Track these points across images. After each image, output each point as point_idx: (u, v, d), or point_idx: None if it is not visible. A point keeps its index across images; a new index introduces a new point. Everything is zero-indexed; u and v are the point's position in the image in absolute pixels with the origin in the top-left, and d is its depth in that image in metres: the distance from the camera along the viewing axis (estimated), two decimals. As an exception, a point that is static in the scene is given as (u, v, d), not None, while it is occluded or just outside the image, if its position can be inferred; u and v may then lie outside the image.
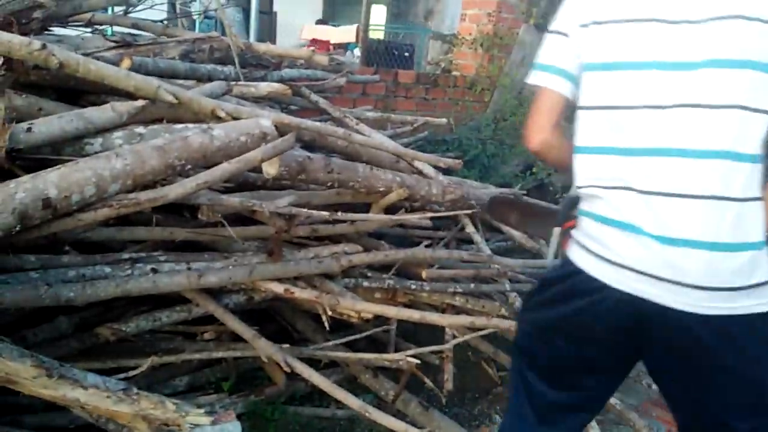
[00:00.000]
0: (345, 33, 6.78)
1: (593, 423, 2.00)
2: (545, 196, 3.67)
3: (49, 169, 1.28)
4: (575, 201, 1.41)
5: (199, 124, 1.65)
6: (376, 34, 9.23)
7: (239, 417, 2.13)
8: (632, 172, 1.12)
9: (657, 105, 1.10)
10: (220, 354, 2.01)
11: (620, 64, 1.14)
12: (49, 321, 1.81)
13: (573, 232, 1.26)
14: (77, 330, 1.88)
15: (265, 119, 1.64)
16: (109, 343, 1.92)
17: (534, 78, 1.28)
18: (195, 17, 5.71)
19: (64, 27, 2.48)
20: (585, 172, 1.21)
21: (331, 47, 7.46)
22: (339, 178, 1.90)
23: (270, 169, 1.69)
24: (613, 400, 2.26)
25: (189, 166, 1.47)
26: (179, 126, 1.75)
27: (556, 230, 1.56)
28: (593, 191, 1.18)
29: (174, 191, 1.39)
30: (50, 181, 1.25)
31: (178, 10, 4.88)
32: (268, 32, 7.51)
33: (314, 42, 7.64)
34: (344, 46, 7.69)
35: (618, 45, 1.15)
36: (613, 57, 1.15)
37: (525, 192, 3.64)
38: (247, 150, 1.55)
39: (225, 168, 1.46)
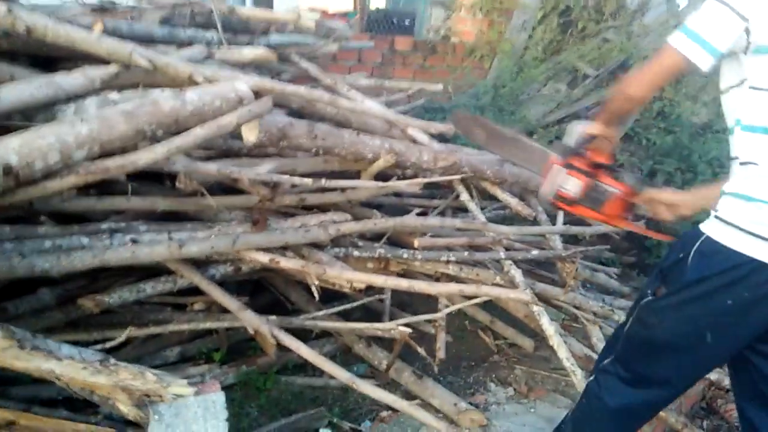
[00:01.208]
0: (342, 1, 6.60)
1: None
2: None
3: (10, 135, 1.23)
4: (587, 140, 1.57)
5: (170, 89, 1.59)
6: (378, 2, 9.02)
7: (231, 387, 2.13)
8: None
9: None
10: (208, 325, 1.98)
11: None
12: (32, 293, 1.79)
13: (728, 218, 1.25)
14: (61, 302, 1.85)
15: (241, 83, 1.58)
16: (95, 315, 1.90)
17: (679, 41, 1.27)
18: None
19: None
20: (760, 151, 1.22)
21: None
22: (324, 145, 1.84)
23: (249, 136, 1.63)
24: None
25: (160, 131, 1.41)
26: (156, 91, 1.69)
27: (557, 167, 1.61)
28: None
29: (144, 157, 1.34)
30: (11, 148, 1.20)
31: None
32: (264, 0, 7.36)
33: (314, 11, 7.47)
34: (345, 16, 7.53)
35: None
36: None
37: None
38: (222, 114, 1.49)
39: (197, 133, 1.40)
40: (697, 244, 1.26)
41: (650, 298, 1.35)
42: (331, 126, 2.40)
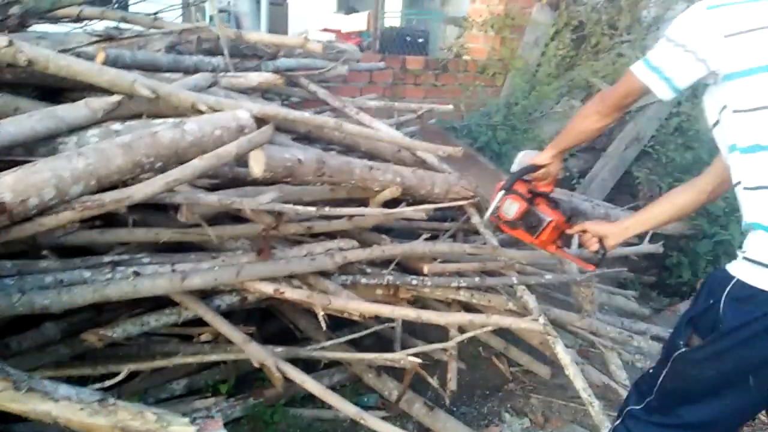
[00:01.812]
0: (356, 21, 6.64)
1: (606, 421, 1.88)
2: (561, 182, 3.52)
3: (5, 171, 1.21)
4: (530, 170, 1.72)
5: (172, 119, 1.57)
6: (392, 21, 9.08)
7: (238, 420, 2.09)
8: None
9: None
10: (214, 357, 1.95)
11: None
12: (36, 327, 1.77)
13: (759, 258, 1.18)
14: (66, 336, 1.83)
15: (243, 111, 1.55)
16: (101, 348, 1.88)
17: (639, 69, 1.36)
18: (207, 11, 5.66)
19: (54, 24, 2.43)
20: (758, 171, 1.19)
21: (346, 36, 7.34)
22: (331, 181, 1.81)
23: (255, 168, 1.60)
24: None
25: (159, 164, 1.39)
26: (158, 121, 1.67)
27: (500, 193, 1.75)
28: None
29: (141, 191, 1.31)
30: (5, 185, 1.18)
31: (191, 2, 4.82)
32: (280, 23, 7.44)
33: (328, 32, 7.53)
34: (359, 35, 7.56)
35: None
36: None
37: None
38: (223, 144, 1.47)
39: (196, 164, 1.37)
40: (728, 288, 1.18)
41: (684, 349, 1.26)
42: (340, 159, 2.38)
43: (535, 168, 1.74)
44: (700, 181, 1.59)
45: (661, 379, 1.32)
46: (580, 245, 1.83)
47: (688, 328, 1.27)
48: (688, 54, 1.27)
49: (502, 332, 2.49)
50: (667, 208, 1.62)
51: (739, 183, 1.24)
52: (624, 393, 2.13)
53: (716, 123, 1.31)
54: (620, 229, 1.64)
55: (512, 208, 1.73)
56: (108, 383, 1.44)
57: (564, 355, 2.02)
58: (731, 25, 1.22)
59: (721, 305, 1.18)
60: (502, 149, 3.60)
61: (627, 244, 2.85)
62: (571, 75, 4.09)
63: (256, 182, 2.00)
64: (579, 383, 1.97)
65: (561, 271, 2.43)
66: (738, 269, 1.19)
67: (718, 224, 3.25)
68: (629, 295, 2.88)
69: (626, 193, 3.74)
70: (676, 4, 4.29)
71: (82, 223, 1.70)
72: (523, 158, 1.81)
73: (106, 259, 1.69)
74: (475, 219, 2.40)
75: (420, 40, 6.90)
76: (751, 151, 1.20)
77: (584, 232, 1.71)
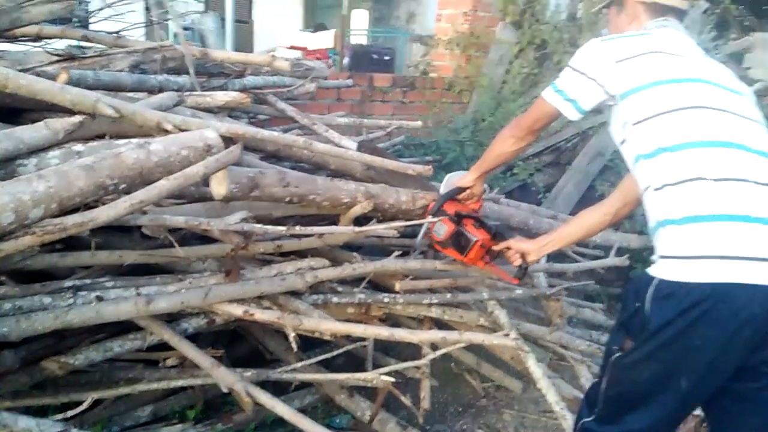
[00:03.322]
0: (322, 39, 6.67)
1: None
2: (528, 196, 3.58)
3: (-40, 196, 1.16)
4: (456, 192, 1.93)
5: (137, 139, 1.54)
6: (359, 38, 9.14)
7: (207, 447, 2.03)
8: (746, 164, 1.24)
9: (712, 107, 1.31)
10: (180, 383, 1.89)
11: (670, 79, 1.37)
12: (-7, 356, 1.69)
13: (674, 253, 1.23)
14: (25, 364, 1.76)
15: (210, 131, 1.53)
16: (63, 376, 1.81)
17: (548, 94, 1.56)
18: (171, 29, 5.60)
19: (12, 42, 2.36)
20: (685, 166, 1.26)
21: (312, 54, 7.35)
22: (297, 192, 1.79)
23: (219, 189, 1.57)
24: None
25: (123, 185, 1.35)
26: (122, 142, 1.63)
27: (429, 216, 1.92)
28: (704, 185, 1.22)
29: (105, 213, 1.28)
30: (-40, 211, 1.13)
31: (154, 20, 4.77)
32: (245, 41, 7.41)
33: (295, 49, 7.54)
34: (326, 53, 7.59)
35: (658, 67, 1.39)
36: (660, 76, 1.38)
37: (508, 192, 3.54)
38: (190, 164, 1.44)
39: (162, 185, 1.34)
40: (651, 289, 1.22)
41: (618, 354, 1.30)
42: (308, 169, 2.37)
43: (460, 190, 1.92)
44: (606, 204, 1.76)
45: (603, 387, 1.35)
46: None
47: (620, 332, 1.32)
48: (589, 81, 1.47)
49: (474, 348, 2.49)
50: (576, 229, 1.82)
51: (647, 188, 1.33)
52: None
53: (623, 141, 1.46)
54: (538, 246, 1.82)
55: (442, 229, 1.89)
56: (70, 413, 1.39)
57: (536, 369, 2.03)
58: (620, 52, 1.43)
59: (647, 306, 1.22)
60: (470, 165, 3.62)
61: (593, 257, 2.91)
62: (535, 92, 4.16)
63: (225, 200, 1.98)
64: (551, 397, 1.98)
65: (531, 286, 2.46)
66: (657, 269, 1.24)
67: (679, 236, 3.33)
68: (597, 308, 2.92)
69: (591, 205, 3.82)
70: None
71: (41, 247, 1.63)
72: (449, 180, 1.98)
73: (68, 283, 1.63)
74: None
75: (387, 58, 6.97)
76: (654, 155, 1.32)
77: (508, 249, 1.87)
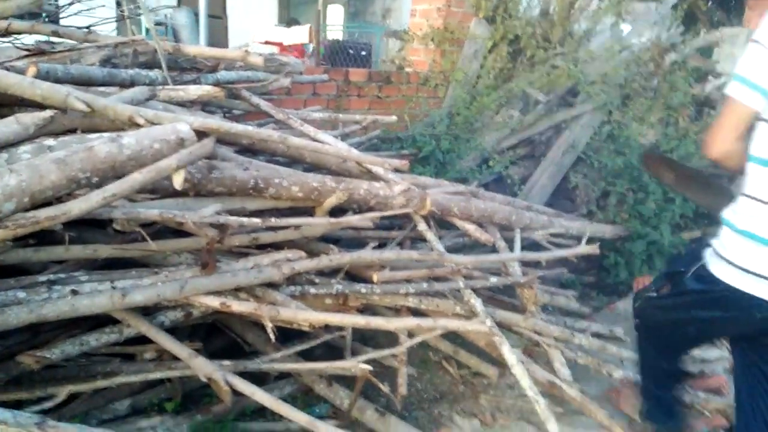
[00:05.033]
0: (297, 34, 6.66)
1: (551, 417, 1.95)
2: (503, 189, 3.63)
3: (-70, 190, 1.16)
4: None
5: (109, 133, 1.54)
6: (335, 34, 9.12)
7: (186, 439, 2.04)
8: None
9: None
10: (158, 375, 1.89)
11: None
12: (-33, 352, 1.68)
13: (720, 247, 1.56)
14: (1, 359, 1.75)
15: (183, 124, 1.54)
16: (38, 371, 1.80)
17: (730, 88, 1.38)
18: (144, 24, 5.54)
19: (-21, 38, 2.33)
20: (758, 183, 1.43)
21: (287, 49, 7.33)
22: (260, 175, 1.80)
23: (178, 176, 1.56)
24: (574, 392, 2.22)
25: (96, 179, 1.36)
26: (94, 136, 1.63)
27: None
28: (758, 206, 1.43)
29: (77, 207, 1.28)
30: (-70, 204, 1.13)
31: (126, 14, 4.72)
32: (219, 37, 7.36)
33: (269, 45, 7.51)
34: (301, 48, 7.57)
35: None
36: None
37: (484, 185, 3.59)
38: (163, 158, 1.45)
39: (135, 178, 1.35)
40: (696, 267, 1.60)
41: (654, 294, 1.79)
42: (283, 162, 2.39)
43: None
44: None
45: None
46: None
47: (662, 280, 1.81)
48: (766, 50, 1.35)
49: (450, 336, 2.54)
50: None
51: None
52: (568, 389, 2.22)
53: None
54: None
55: None
56: (47, 405, 1.39)
57: (510, 356, 2.08)
58: None
59: (688, 275, 1.63)
60: (446, 158, 3.69)
61: (565, 246, 2.97)
62: (509, 86, 4.23)
63: (198, 194, 1.98)
64: (525, 382, 2.03)
65: (505, 275, 2.51)
66: (708, 255, 1.59)
67: (649, 225, 3.42)
68: (570, 295, 2.99)
69: (565, 197, 3.89)
70: (606, 17, 4.53)
71: (14, 242, 1.63)
72: None
73: (42, 278, 1.63)
74: (422, 226, 2.45)
75: (362, 53, 6.99)
76: (753, 161, 1.45)
77: None
